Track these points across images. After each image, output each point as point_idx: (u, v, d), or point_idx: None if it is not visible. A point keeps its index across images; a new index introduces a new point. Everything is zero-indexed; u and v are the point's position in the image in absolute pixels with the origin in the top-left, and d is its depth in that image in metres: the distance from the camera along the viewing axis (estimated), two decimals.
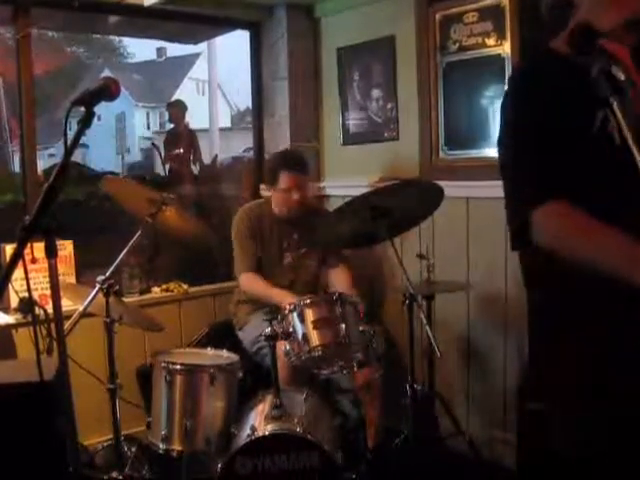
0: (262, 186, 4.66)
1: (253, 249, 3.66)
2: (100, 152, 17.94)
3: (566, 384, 1.72)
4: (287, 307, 3.07)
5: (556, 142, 1.62)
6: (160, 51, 24.10)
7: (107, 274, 2.95)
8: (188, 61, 23.34)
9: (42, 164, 5.23)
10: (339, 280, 3.71)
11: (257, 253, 3.67)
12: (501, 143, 1.80)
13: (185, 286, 4.26)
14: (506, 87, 1.91)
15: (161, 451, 2.93)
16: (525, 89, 1.73)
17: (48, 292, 3.37)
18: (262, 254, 3.69)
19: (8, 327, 3.43)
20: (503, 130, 1.79)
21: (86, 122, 1.68)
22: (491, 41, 3.55)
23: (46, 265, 1.67)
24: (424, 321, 2.86)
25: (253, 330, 3.54)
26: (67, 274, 3.75)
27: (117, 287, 3.03)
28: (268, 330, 2.87)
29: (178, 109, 7.22)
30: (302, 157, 3.77)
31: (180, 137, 6.85)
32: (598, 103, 1.60)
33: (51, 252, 1.64)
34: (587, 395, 1.68)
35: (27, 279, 1.73)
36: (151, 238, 4.25)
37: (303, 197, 3.64)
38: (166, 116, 7.74)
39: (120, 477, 3.00)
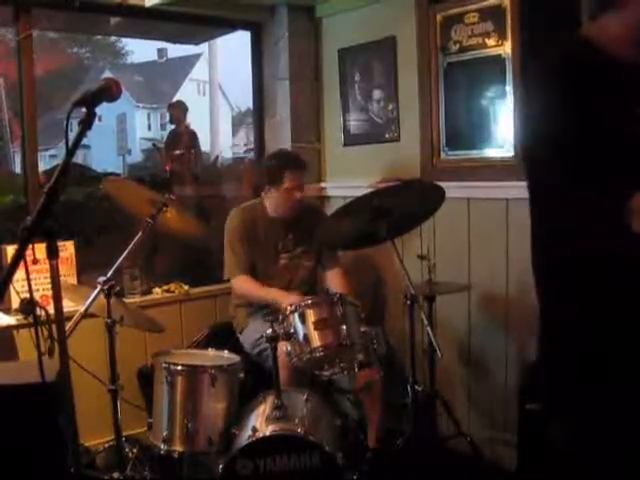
0: None
1: (246, 252, 3.64)
2: (101, 153, 17.96)
3: (581, 384, 1.71)
4: (288, 308, 3.07)
5: (611, 140, 1.58)
6: (161, 52, 24.10)
7: (108, 275, 2.95)
8: (189, 62, 23.36)
9: (43, 165, 5.25)
10: (335, 283, 3.70)
11: (250, 256, 3.66)
12: (550, 139, 1.72)
13: (186, 287, 4.25)
14: (542, 75, 1.80)
15: (162, 452, 2.93)
16: (573, 84, 1.66)
17: (49, 293, 3.37)
18: (257, 256, 3.68)
19: (9, 328, 3.44)
20: (551, 129, 1.70)
21: (87, 123, 1.68)
22: (492, 41, 3.55)
23: (47, 266, 1.67)
24: (425, 322, 2.85)
25: (253, 333, 3.54)
26: (68, 275, 3.75)
27: (118, 288, 3.03)
28: (269, 331, 2.87)
29: (179, 110, 7.22)
30: (302, 157, 3.79)
31: (181, 138, 6.86)
32: (636, 99, 1.58)
33: (52, 253, 1.64)
34: (596, 396, 1.67)
35: (28, 280, 1.73)
36: (149, 238, 4.24)
37: (304, 196, 3.66)
38: (167, 117, 7.73)
39: (121, 478, 3.00)
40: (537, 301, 1.84)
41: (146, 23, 4.53)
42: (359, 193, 3.09)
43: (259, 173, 3.82)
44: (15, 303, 3.54)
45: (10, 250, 3.53)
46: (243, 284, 3.63)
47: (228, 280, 3.71)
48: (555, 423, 1.79)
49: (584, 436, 1.70)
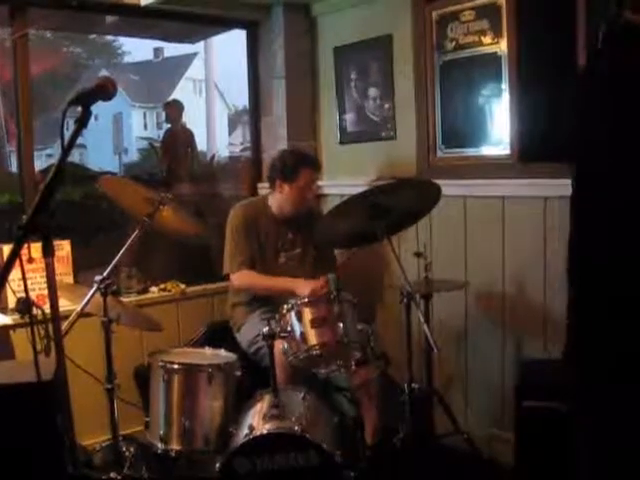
0: (260, 185, 4.66)
1: (249, 246, 3.65)
2: (97, 152, 17.91)
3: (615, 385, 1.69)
4: (285, 307, 3.06)
5: None
6: (157, 51, 24.06)
7: (105, 274, 2.95)
8: (185, 61, 23.29)
9: (40, 164, 5.22)
10: None
11: (253, 251, 3.66)
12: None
13: (183, 286, 4.25)
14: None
15: (159, 451, 2.93)
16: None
17: (46, 292, 3.36)
18: (257, 253, 3.68)
19: (6, 327, 3.44)
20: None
21: (83, 122, 1.68)
22: (487, 39, 3.56)
23: (43, 265, 1.67)
24: (422, 319, 2.86)
25: (250, 331, 3.54)
26: (65, 274, 3.75)
27: (115, 287, 3.03)
28: (266, 329, 2.87)
29: (175, 109, 7.19)
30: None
31: (177, 137, 6.84)
32: None
33: (48, 252, 1.64)
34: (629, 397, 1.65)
35: (24, 279, 1.74)
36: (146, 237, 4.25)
37: (313, 197, 3.77)
38: (163, 116, 7.72)
39: (119, 477, 3.00)
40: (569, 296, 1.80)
41: (142, 22, 4.53)
42: (355, 191, 3.09)
43: (270, 168, 3.81)
44: (11, 302, 3.54)
45: (6, 249, 3.52)
46: (246, 277, 3.62)
47: (227, 276, 3.71)
48: (582, 423, 1.77)
49: (612, 437, 1.68)
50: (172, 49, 24.17)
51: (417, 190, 3.22)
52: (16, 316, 3.49)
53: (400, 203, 3.03)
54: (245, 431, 2.78)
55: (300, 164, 3.65)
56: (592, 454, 1.75)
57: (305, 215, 3.72)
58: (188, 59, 23.21)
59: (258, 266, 3.66)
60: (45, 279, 1.73)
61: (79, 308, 2.93)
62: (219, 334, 3.75)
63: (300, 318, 3.01)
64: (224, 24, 4.85)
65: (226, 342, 3.51)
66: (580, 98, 1.74)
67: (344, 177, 4.38)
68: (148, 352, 3.22)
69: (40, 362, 1.85)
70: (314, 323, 2.98)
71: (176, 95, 18.81)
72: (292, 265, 3.75)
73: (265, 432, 2.75)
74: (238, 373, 3.07)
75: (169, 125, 7.30)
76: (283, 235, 3.74)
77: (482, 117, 3.65)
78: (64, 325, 2.80)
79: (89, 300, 2.93)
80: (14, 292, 3.42)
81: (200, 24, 4.83)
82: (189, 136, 7.01)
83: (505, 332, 3.63)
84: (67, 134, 1.66)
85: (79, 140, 1.70)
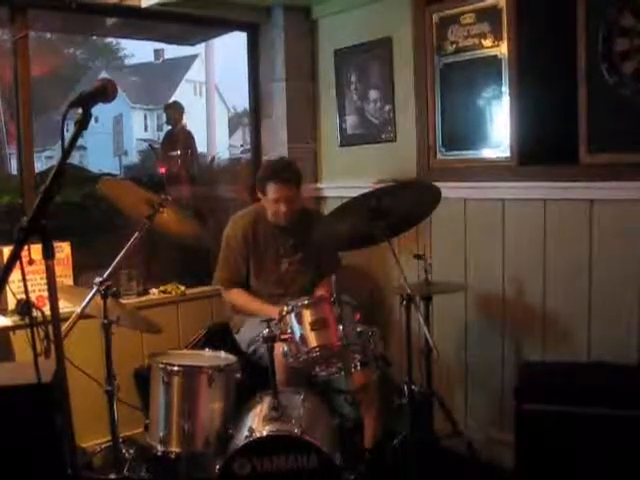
0: None
1: (239, 265, 3.71)
2: (97, 154, 17.95)
3: None
4: (284, 309, 3.06)
5: None
6: (157, 53, 24.12)
7: (105, 276, 2.95)
8: (185, 63, 23.35)
9: (40, 166, 5.22)
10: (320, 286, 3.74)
11: (245, 268, 3.71)
12: None
13: (183, 288, 4.25)
14: None
15: (159, 453, 2.93)
16: None
17: (45, 294, 3.37)
18: (258, 261, 3.70)
19: (5, 329, 3.44)
20: None
21: (83, 124, 1.68)
22: (488, 42, 3.55)
23: (43, 267, 1.67)
24: (422, 322, 2.85)
25: (249, 332, 3.54)
26: (65, 276, 3.75)
27: (115, 289, 3.02)
28: (266, 331, 2.87)
29: (175, 111, 7.21)
30: (291, 168, 3.68)
31: (177, 138, 6.85)
32: None
33: (48, 254, 1.64)
34: None
35: (24, 281, 1.73)
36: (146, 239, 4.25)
37: (291, 209, 3.61)
38: (163, 118, 7.74)
39: (118, 479, 3.00)
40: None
41: (142, 24, 4.53)
42: (355, 194, 3.08)
43: (255, 174, 3.81)
44: (11, 304, 3.54)
45: (6, 251, 3.52)
46: (235, 297, 3.73)
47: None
48: None
49: None
50: (172, 51, 24.26)
51: (417, 192, 3.21)
52: (16, 318, 3.49)
53: (400, 205, 3.03)
54: (245, 433, 2.78)
55: (267, 179, 3.60)
56: None
57: (306, 220, 3.71)
58: (188, 61, 23.27)
59: (260, 273, 3.68)
60: (45, 281, 1.73)
61: (79, 310, 2.92)
62: (219, 336, 3.75)
63: (300, 320, 3.01)
64: (224, 26, 4.85)
65: (226, 344, 3.51)
66: None
67: (344, 179, 4.38)
68: (148, 354, 3.22)
69: (40, 364, 1.85)
70: (314, 325, 2.98)
71: (176, 97, 18.83)
72: (294, 270, 3.74)
73: (265, 434, 2.76)
74: (238, 375, 3.07)
75: (169, 127, 7.31)
76: (283, 241, 3.74)
77: (482, 119, 3.65)
78: (64, 327, 2.79)
79: (89, 302, 2.93)
80: (14, 294, 3.43)
81: (200, 26, 4.83)
82: (189, 138, 7.03)
83: (505, 334, 3.63)
84: (67, 136, 1.66)
85: (79, 142, 1.70)
